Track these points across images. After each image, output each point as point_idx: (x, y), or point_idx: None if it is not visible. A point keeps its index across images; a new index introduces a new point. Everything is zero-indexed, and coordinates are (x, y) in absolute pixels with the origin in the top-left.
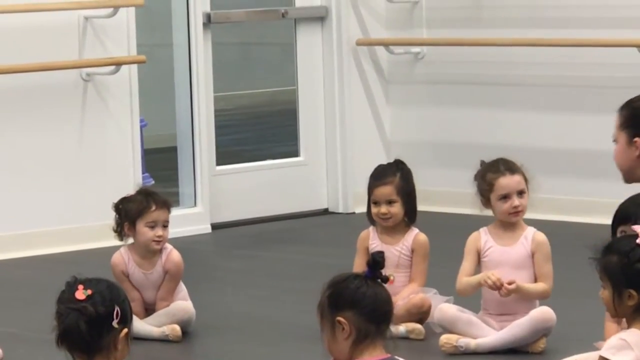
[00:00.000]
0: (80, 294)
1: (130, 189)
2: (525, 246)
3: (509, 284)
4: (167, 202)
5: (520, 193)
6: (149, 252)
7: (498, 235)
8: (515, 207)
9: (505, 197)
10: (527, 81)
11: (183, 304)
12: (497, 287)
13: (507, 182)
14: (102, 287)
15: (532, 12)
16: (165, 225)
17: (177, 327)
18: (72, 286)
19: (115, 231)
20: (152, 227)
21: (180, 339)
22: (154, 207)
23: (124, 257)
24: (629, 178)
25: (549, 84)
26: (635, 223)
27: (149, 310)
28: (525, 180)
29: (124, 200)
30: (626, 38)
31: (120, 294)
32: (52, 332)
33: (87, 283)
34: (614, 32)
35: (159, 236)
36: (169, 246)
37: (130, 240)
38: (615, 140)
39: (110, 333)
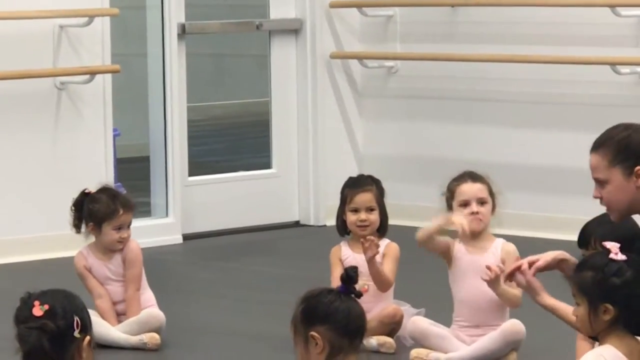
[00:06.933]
0: (38, 310)
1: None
2: (496, 255)
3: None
4: (131, 204)
5: (481, 202)
6: (111, 251)
7: (470, 244)
8: (474, 213)
9: (465, 204)
10: (500, 97)
11: (153, 311)
12: (465, 229)
13: (467, 188)
14: (60, 298)
15: (507, 28)
16: (128, 226)
17: (156, 335)
18: (27, 303)
19: (74, 225)
20: (118, 230)
21: (159, 347)
22: (121, 212)
23: (83, 253)
24: (627, 213)
25: (522, 100)
26: (595, 244)
27: (119, 312)
28: (491, 192)
29: (89, 200)
30: (600, 55)
31: (79, 303)
32: (16, 354)
33: (43, 297)
34: (587, 50)
35: (124, 238)
36: None
37: (90, 238)
38: (603, 183)
39: (73, 343)
